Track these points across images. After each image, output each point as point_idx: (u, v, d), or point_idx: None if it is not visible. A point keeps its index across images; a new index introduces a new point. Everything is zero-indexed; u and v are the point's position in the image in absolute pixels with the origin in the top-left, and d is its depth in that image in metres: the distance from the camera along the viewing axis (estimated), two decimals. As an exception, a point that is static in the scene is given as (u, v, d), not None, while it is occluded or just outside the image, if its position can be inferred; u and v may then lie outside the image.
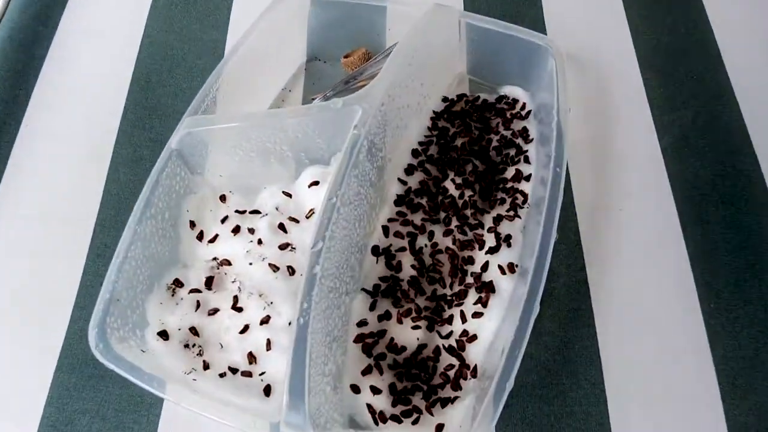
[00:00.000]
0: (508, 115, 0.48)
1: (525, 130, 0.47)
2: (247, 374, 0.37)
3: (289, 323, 0.39)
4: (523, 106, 0.48)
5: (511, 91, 0.49)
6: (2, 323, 0.43)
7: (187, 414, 0.38)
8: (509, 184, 0.44)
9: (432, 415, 0.37)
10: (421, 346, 0.39)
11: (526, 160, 0.45)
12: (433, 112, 0.49)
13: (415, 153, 0.46)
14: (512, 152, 0.46)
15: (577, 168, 0.47)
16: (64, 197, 0.48)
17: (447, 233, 0.42)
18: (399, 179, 0.44)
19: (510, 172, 0.45)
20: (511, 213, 0.42)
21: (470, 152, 0.46)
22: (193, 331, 0.38)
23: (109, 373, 0.34)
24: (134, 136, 0.50)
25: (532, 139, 0.46)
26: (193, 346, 0.38)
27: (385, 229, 0.42)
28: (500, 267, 0.40)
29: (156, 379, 0.34)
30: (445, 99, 0.50)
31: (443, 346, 0.39)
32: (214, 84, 0.45)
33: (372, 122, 0.40)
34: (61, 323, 0.42)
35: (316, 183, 0.43)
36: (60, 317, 0.43)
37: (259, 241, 0.42)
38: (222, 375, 0.37)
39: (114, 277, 0.37)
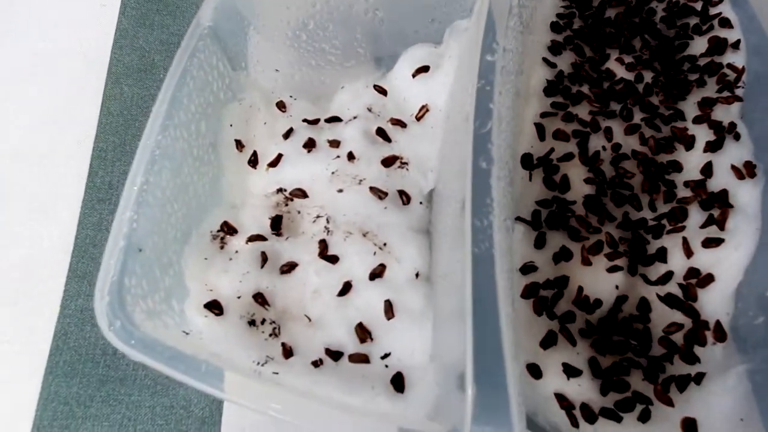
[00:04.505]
0: (671, -25, 0.34)
1: (705, -11, 0.33)
2: (361, 359, 0.23)
3: (417, 274, 0.24)
4: (692, -37, 0.34)
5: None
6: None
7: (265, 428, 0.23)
8: (702, 61, 0.30)
9: (670, 405, 0.22)
10: (620, 299, 0.25)
11: (724, 24, 0.31)
12: (564, -22, 0.35)
13: (555, 27, 0.32)
14: (693, 21, 0.32)
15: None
16: (46, 122, 0.33)
17: (631, 130, 0.28)
18: (544, 59, 0.30)
19: (699, 45, 0.31)
20: (725, 94, 0.28)
21: (630, 26, 0.32)
22: (260, 299, 0.25)
23: (133, 374, 0.21)
24: (139, 37, 0.35)
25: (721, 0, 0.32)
26: (263, 322, 0.24)
27: (540, 129, 0.28)
28: (734, 168, 0.26)
29: (217, 373, 0.20)
30: (574, -36, 0.36)
31: (658, 295, 0.25)
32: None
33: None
34: (50, 303, 0.28)
35: (425, 69, 0.29)
36: (48, 294, 0.28)
37: (350, 156, 0.27)
38: (316, 364, 0.23)
39: (131, 214, 0.22)
